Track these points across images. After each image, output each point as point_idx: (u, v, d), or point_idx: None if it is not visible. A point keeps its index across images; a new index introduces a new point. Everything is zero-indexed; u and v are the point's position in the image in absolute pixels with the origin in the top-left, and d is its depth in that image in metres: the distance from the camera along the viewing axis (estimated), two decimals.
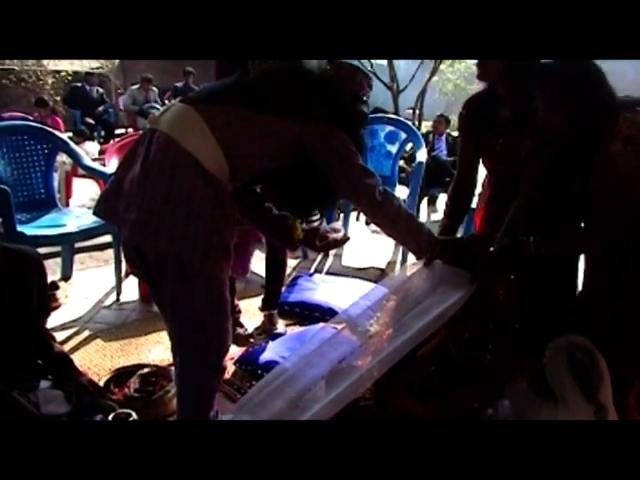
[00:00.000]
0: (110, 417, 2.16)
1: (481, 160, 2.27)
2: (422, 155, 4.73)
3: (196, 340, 1.93)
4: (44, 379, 2.28)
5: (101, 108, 10.67)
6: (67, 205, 4.85)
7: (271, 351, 2.87)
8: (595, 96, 1.81)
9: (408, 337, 1.88)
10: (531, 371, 2.01)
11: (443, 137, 6.42)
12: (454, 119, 7.75)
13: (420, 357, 2.14)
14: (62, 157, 4.75)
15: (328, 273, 4.30)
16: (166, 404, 2.37)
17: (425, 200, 5.99)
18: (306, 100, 1.86)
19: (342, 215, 5.28)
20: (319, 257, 4.70)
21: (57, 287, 3.54)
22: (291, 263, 4.15)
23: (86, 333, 3.17)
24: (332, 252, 4.82)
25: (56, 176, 4.00)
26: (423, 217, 6.09)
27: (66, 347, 2.94)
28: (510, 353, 2.08)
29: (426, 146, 5.11)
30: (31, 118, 7.45)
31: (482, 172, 2.34)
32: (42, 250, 3.06)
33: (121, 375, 2.58)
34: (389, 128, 5.18)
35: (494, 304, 2.09)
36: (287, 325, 3.29)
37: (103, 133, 10.42)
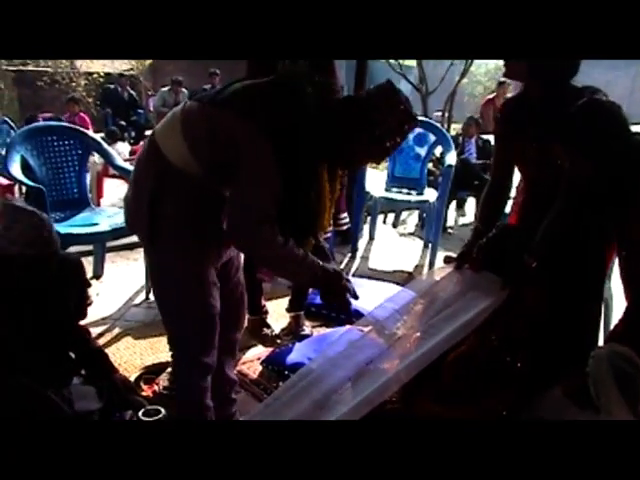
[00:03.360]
0: (140, 413, 2.19)
1: (516, 165, 2.25)
2: (452, 158, 4.71)
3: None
4: (77, 375, 2.32)
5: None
6: (98, 205, 4.92)
7: (298, 352, 2.89)
8: (617, 144, 1.79)
9: (437, 342, 1.88)
10: (568, 379, 1.98)
11: (473, 140, 6.36)
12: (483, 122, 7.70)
13: (449, 363, 2.13)
14: (93, 157, 4.82)
15: (355, 276, 4.30)
16: None
17: (453, 203, 5.95)
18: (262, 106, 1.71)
19: (369, 217, 5.29)
20: (346, 259, 4.71)
21: (89, 285, 3.58)
22: None
23: (116, 330, 3.22)
24: (359, 254, 4.83)
25: (88, 176, 4.05)
26: (451, 221, 6.06)
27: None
28: (542, 361, 2.06)
29: (455, 149, 5.08)
30: (62, 118, 7.59)
31: (517, 176, 2.32)
32: (74, 248, 3.13)
33: (150, 372, 2.62)
34: (418, 130, 5.15)
35: (526, 311, 2.07)
36: (314, 327, 3.30)
37: (133, 134, 10.55)
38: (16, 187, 5.01)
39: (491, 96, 9.27)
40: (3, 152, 4.77)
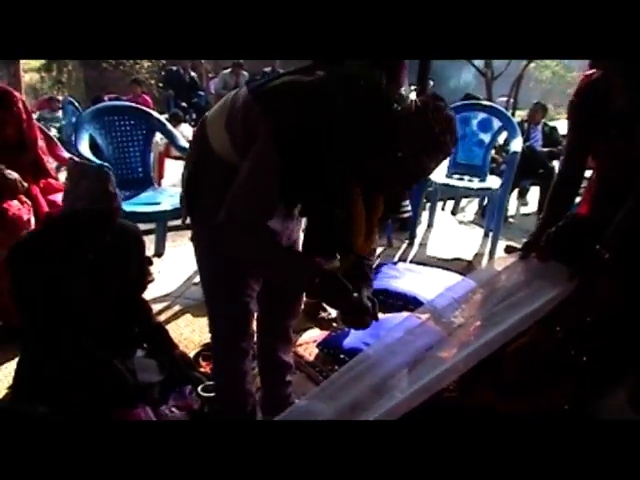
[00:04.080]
0: (199, 389, 2.24)
1: (590, 154, 2.17)
2: (517, 145, 4.60)
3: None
4: (140, 348, 2.39)
5: None
6: (159, 185, 5.02)
7: (354, 336, 2.89)
8: None
9: (499, 332, 1.84)
10: (635, 387, 1.92)
11: (539, 127, 6.21)
12: (551, 108, 7.51)
13: (510, 353, 2.09)
14: (155, 138, 4.91)
15: (412, 262, 4.27)
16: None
17: (515, 192, 5.83)
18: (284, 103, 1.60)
19: (428, 204, 5.23)
20: (403, 246, 4.67)
21: (151, 263, 3.66)
22: (376, 250, 4.15)
23: (177, 308, 3.29)
24: (417, 241, 4.79)
25: (151, 156, 4.13)
26: (512, 210, 5.94)
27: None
28: (612, 356, 1.99)
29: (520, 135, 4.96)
30: (124, 98, 7.75)
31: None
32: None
33: (209, 349, 2.65)
34: (482, 115, 5.06)
35: (597, 304, 2.01)
36: None
37: (195, 116, 10.69)
38: None
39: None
40: (69, 132, 4.92)
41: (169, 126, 4.01)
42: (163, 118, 4.22)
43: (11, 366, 2.41)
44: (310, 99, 1.56)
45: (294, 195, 1.72)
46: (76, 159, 2.14)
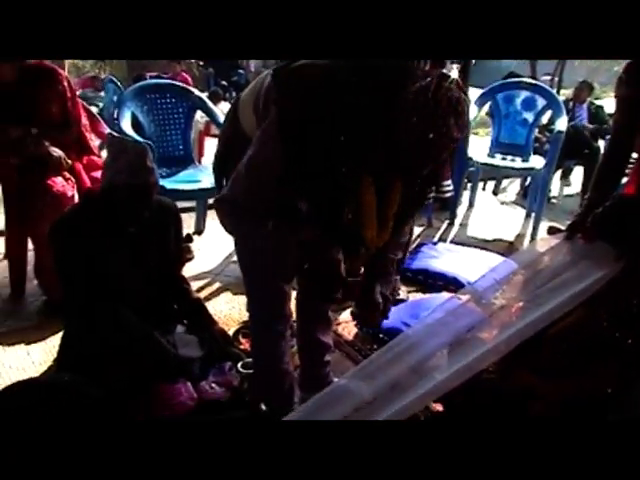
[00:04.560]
0: (238, 365, 2.26)
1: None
2: (562, 124, 4.49)
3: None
4: (180, 324, 2.42)
5: None
6: (199, 163, 5.05)
7: (393, 316, 2.86)
8: None
9: (543, 313, 1.81)
10: None
11: (584, 105, 6.05)
12: (596, 87, 7.31)
13: (553, 335, 2.06)
14: (195, 117, 4.93)
15: (452, 242, 4.23)
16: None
17: (558, 172, 5.71)
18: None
19: (469, 184, 5.16)
20: (444, 226, 4.63)
21: (191, 240, 3.70)
22: (415, 230, 4.12)
23: (216, 285, 3.32)
24: (457, 221, 4.74)
25: (192, 134, 4.16)
26: (555, 190, 5.83)
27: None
28: None
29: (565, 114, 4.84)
30: (165, 76, 7.79)
31: None
32: (178, 204, 3.22)
33: (248, 327, 2.67)
34: (526, 94, 4.95)
35: None
36: (409, 292, 3.28)
37: (234, 94, 10.71)
38: None
39: None
40: (111, 110, 4.97)
41: (210, 104, 4.02)
42: (204, 96, 4.24)
43: (55, 340, 2.47)
44: (320, 89, 1.50)
45: (300, 185, 1.65)
46: (115, 134, 2.15)
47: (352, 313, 1.92)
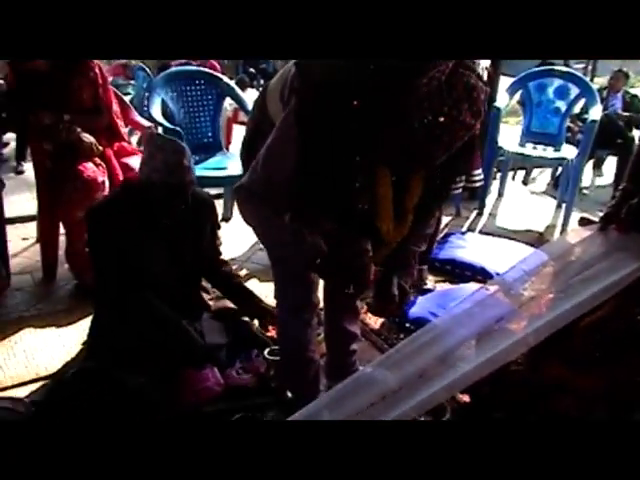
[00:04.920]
0: (265, 352, 2.27)
1: None
2: (596, 113, 4.41)
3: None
4: (207, 311, 2.44)
5: None
6: (227, 150, 5.07)
7: (420, 306, 2.87)
8: None
9: (574, 305, 1.78)
10: None
11: (619, 94, 5.92)
12: (631, 75, 7.15)
13: (584, 326, 2.03)
14: (223, 104, 4.95)
15: (481, 232, 4.19)
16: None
17: (589, 163, 5.61)
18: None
19: (499, 173, 5.10)
20: (472, 215, 4.59)
21: (219, 227, 3.72)
22: (443, 220, 4.08)
23: (243, 272, 3.34)
24: (487, 211, 4.69)
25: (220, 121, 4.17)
26: (587, 181, 5.73)
27: None
28: None
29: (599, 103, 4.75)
30: (194, 64, 7.81)
31: None
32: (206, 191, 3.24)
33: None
34: (559, 82, 4.86)
35: None
36: (437, 281, 3.26)
37: (262, 82, 10.71)
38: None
39: None
40: (141, 97, 5.00)
41: (239, 91, 4.02)
42: (232, 83, 4.24)
43: (86, 323, 2.50)
44: (338, 77, 1.47)
45: (314, 174, 1.61)
46: (154, 130, 2.17)
47: (367, 304, 1.90)
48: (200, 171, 3.44)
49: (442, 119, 1.35)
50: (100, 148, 2.97)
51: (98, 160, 2.96)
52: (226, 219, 4.06)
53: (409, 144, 1.43)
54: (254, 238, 3.74)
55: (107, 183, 2.92)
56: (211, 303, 2.66)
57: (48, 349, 2.46)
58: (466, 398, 2.28)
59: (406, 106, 1.37)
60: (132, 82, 8.47)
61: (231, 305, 2.74)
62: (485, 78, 1.43)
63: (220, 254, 2.56)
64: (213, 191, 3.93)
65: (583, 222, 3.47)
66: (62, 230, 3.04)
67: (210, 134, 3.90)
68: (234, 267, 3.37)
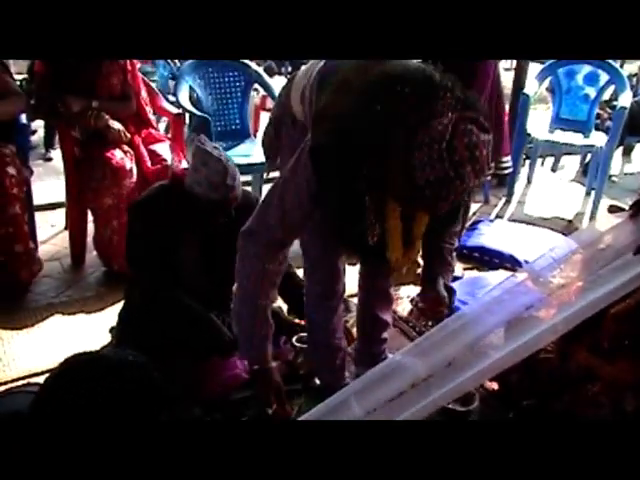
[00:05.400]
0: (293, 339, 2.28)
1: None
2: (626, 99, 4.34)
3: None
4: None
5: None
6: (255, 137, 5.06)
7: None
8: None
9: (604, 293, 1.76)
10: None
11: None
12: None
13: (613, 315, 2.01)
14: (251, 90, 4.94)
15: (509, 220, 4.15)
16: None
17: (619, 150, 5.52)
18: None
19: (527, 160, 5.04)
20: (500, 203, 4.55)
21: None
22: (472, 207, 4.06)
23: None
24: (515, 199, 4.64)
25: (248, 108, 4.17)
26: (617, 169, 5.65)
27: None
28: None
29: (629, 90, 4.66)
30: None
31: None
32: None
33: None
34: (588, 68, 4.78)
35: None
36: (465, 269, 3.24)
37: (290, 69, 10.67)
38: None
39: None
40: (163, 84, 5.02)
41: (267, 78, 4.02)
42: (261, 70, 4.23)
43: (114, 310, 2.52)
44: (350, 121, 1.43)
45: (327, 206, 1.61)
46: (202, 141, 2.14)
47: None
48: None
49: (446, 182, 1.33)
50: (128, 135, 2.99)
51: (126, 147, 2.98)
52: None
53: (415, 198, 1.42)
54: None
55: (135, 170, 2.94)
56: None
57: (77, 336, 2.49)
58: (495, 386, 2.27)
59: (410, 166, 1.34)
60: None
61: None
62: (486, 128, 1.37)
63: None
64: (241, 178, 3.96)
65: (612, 209, 3.44)
66: (90, 217, 3.07)
67: (238, 121, 3.91)
68: None
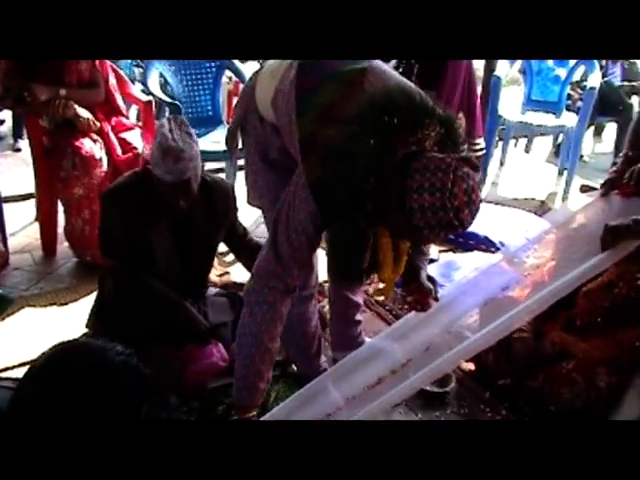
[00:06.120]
0: None
1: None
2: (595, 80, 4.38)
3: None
4: (213, 287, 2.43)
5: None
6: (228, 123, 5.01)
7: None
8: None
9: (578, 272, 1.78)
10: None
11: (619, 61, 5.87)
12: None
13: (586, 293, 2.04)
14: (224, 77, 4.89)
15: (484, 201, 4.17)
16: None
17: (590, 130, 5.57)
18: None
19: (501, 142, 5.07)
20: None
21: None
22: None
23: None
24: (489, 180, 4.66)
25: (220, 94, 4.12)
26: (588, 149, 5.70)
27: (228, 258, 3.12)
28: None
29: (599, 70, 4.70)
30: None
31: None
32: (207, 166, 3.20)
33: None
34: None
35: None
36: (440, 252, 3.25)
37: None
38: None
39: None
40: (139, 70, 4.93)
41: (238, 63, 3.96)
42: None
43: (88, 301, 2.49)
44: (347, 155, 1.42)
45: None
46: (163, 123, 2.11)
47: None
48: (201, 145, 3.41)
49: (446, 226, 1.36)
50: (97, 123, 2.94)
51: (95, 136, 2.93)
52: None
53: (412, 235, 1.47)
54: (258, 213, 3.72)
55: (105, 159, 2.90)
56: (217, 280, 2.65)
57: (50, 328, 2.45)
58: (471, 366, 2.29)
59: (410, 209, 1.36)
60: None
61: (237, 280, 2.75)
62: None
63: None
64: (215, 165, 3.92)
65: (584, 189, 3.46)
66: (61, 208, 3.02)
67: (210, 108, 3.86)
68: None
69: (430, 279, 1.89)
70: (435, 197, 1.33)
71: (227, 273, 2.82)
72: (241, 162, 3.96)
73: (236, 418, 1.69)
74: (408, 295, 1.89)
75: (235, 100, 5.95)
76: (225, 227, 2.34)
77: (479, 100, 3.20)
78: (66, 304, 2.65)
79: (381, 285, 1.76)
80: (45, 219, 3.10)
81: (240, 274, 2.85)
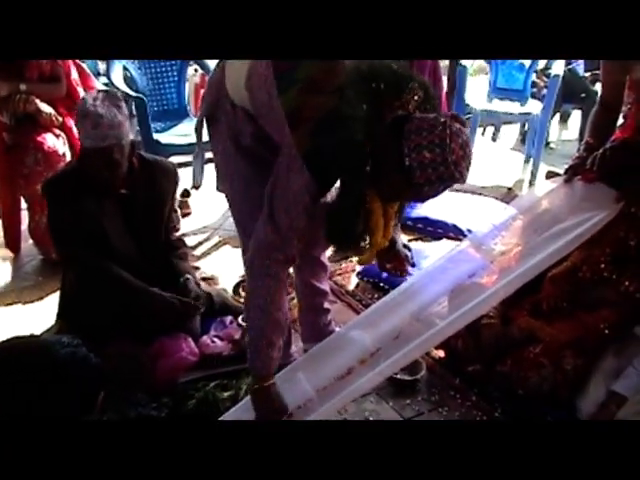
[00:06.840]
0: (239, 319, 2.26)
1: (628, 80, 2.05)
2: (558, 68, 4.42)
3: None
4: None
5: None
6: (195, 116, 4.97)
7: None
8: None
9: (543, 256, 1.81)
10: None
11: None
12: None
13: (551, 277, 2.07)
14: (190, 70, 4.84)
15: (452, 190, 4.19)
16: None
17: (556, 117, 5.64)
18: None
19: (468, 131, 5.10)
20: None
21: (189, 195, 3.68)
22: None
23: (215, 239, 3.30)
24: None
25: (187, 87, 4.08)
26: (554, 136, 5.77)
27: (197, 252, 3.11)
28: None
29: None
30: None
31: None
32: (174, 159, 3.18)
33: None
34: None
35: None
36: (409, 240, 3.26)
37: None
38: None
39: None
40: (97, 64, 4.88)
41: None
42: None
43: (53, 299, 2.47)
44: (340, 123, 1.47)
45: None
46: (87, 97, 2.07)
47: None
48: (167, 138, 3.40)
49: (447, 179, 1.44)
50: (60, 118, 2.90)
51: (58, 131, 2.89)
52: (196, 187, 3.98)
53: (411, 193, 1.55)
54: (225, 205, 3.70)
55: (68, 154, 2.86)
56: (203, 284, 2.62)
57: (15, 327, 2.40)
58: (441, 354, 2.30)
59: (410, 167, 1.43)
60: None
61: (207, 275, 2.74)
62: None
63: (174, 226, 2.47)
64: (181, 159, 3.88)
65: (550, 175, 3.50)
66: (24, 205, 2.98)
67: (175, 100, 3.82)
68: (206, 235, 3.36)
69: (405, 246, 1.96)
70: (435, 153, 1.40)
71: (198, 268, 2.81)
72: (209, 154, 3.96)
73: (257, 387, 1.70)
74: (386, 262, 1.92)
75: (202, 93, 5.97)
76: (169, 206, 2.32)
77: (445, 89, 3.22)
78: (31, 302, 2.62)
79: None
80: (8, 217, 3.04)
81: (210, 268, 2.85)
